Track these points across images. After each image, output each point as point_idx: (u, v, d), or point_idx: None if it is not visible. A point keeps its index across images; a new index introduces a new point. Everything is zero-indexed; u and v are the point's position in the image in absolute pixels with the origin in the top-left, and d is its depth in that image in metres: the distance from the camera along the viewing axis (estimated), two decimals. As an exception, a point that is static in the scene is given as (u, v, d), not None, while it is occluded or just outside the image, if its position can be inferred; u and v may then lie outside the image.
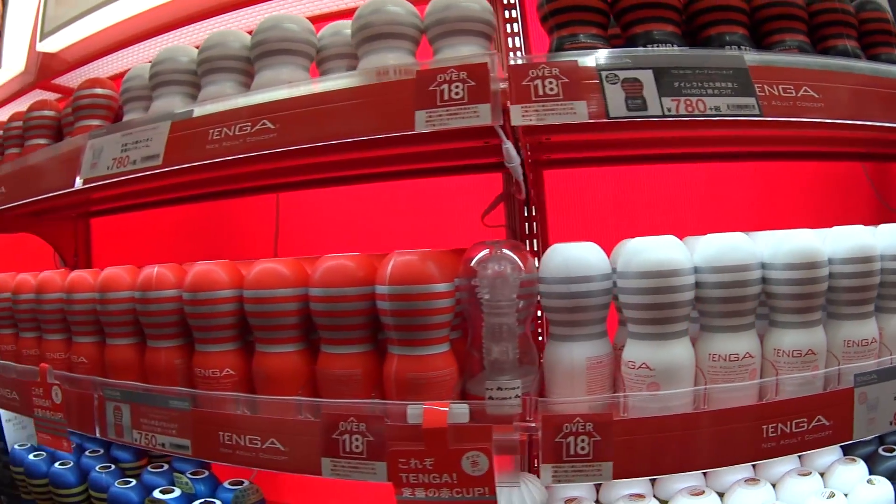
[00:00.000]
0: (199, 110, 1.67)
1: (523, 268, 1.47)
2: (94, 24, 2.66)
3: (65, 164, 1.91)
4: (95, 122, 2.18)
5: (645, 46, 1.63)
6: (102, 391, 1.77)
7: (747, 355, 1.44)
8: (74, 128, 2.21)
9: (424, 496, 1.32)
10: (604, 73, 1.43)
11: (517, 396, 1.41)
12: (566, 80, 1.41)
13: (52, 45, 2.83)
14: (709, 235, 1.47)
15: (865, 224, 1.56)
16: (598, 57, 1.46)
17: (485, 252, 1.47)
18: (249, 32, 1.84)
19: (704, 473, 1.77)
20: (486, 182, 2.10)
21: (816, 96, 1.47)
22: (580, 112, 1.39)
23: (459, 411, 1.34)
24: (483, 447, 1.29)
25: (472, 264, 1.46)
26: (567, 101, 1.40)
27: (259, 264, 1.59)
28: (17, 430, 2.36)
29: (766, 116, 1.43)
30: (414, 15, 1.69)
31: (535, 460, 1.36)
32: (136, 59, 2.65)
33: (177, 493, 1.90)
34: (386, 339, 1.52)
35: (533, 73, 1.41)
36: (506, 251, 1.47)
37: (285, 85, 1.61)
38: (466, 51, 1.64)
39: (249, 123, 1.54)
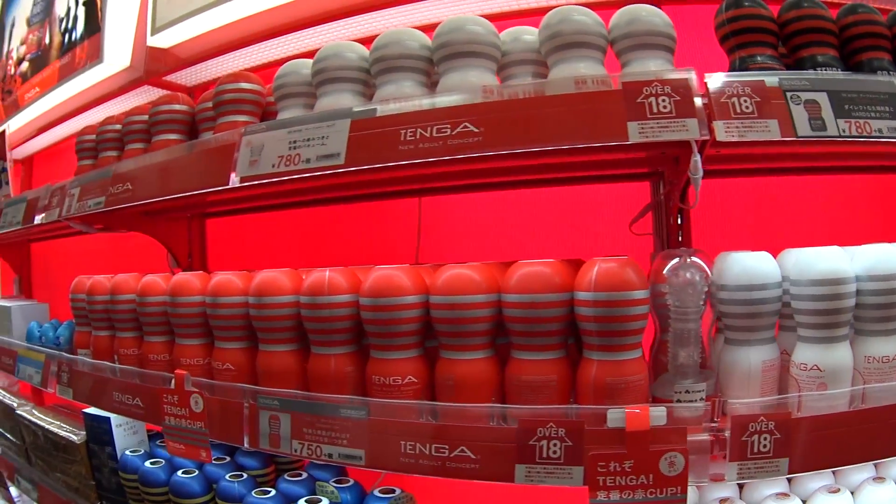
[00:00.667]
0: (384, 109, 1.63)
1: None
2: (210, 22, 2.68)
3: (214, 160, 1.88)
4: (242, 118, 2.12)
5: (813, 69, 1.68)
6: (256, 399, 1.72)
7: (896, 357, 1.51)
8: (218, 123, 2.15)
9: (619, 498, 1.34)
10: (788, 94, 1.48)
11: (702, 399, 1.45)
12: (758, 99, 1.45)
13: (163, 40, 2.83)
14: (864, 246, 1.55)
15: None
16: (780, 78, 1.49)
17: (676, 260, 1.50)
18: (364, 41, 1.89)
19: (789, 479, 1.84)
20: (623, 191, 2.16)
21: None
22: (773, 130, 1.43)
23: (658, 414, 1.36)
24: (680, 448, 1.33)
25: (665, 272, 1.49)
26: (762, 120, 1.44)
27: (449, 270, 1.56)
28: (129, 436, 2.28)
29: None
30: (601, 25, 1.70)
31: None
32: (255, 59, 2.66)
33: (325, 503, 1.84)
34: (573, 343, 1.54)
35: (729, 91, 1.45)
36: (696, 259, 1.50)
37: (484, 87, 1.60)
38: (654, 65, 1.66)
39: (449, 126, 1.51)
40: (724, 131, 1.41)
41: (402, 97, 1.71)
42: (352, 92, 1.86)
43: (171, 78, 2.97)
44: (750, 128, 1.43)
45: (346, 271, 1.70)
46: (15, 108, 4.21)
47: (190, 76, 3.04)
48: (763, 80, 1.48)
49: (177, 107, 2.32)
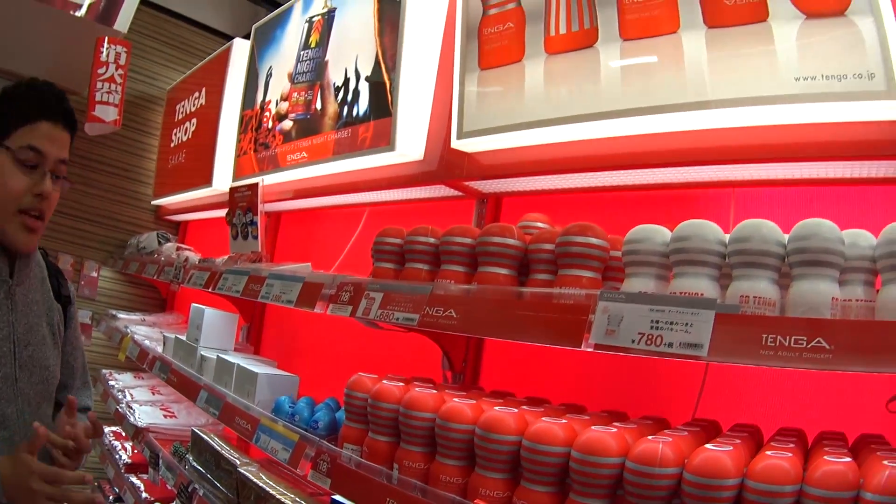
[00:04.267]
0: (745, 308, 1.78)
1: None
2: (521, 139, 2.84)
3: (561, 317, 2.00)
4: (587, 275, 2.25)
5: None
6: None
7: None
8: (560, 275, 2.28)
9: None
10: None
11: None
12: None
13: (467, 145, 3.01)
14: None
15: None
16: None
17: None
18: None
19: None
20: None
21: None
22: None
23: None
24: None
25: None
26: None
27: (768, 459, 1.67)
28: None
29: None
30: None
31: None
32: (561, 184, 2.87)
33: None
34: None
35: None
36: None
37: (832, 304, 1.76)
38: None
39: (805, 338, 1.61)
40: None
41: (759, 296, 1.84)
42: (709, 277, 1.97)
43: (468, 182, 3.15)
44: None
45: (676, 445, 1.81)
46: (274, 164, 4.53)
47: (487, 184, 3.22)
48: None
49: (510, 241, 2.45)
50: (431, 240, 2.68)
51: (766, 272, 1.89)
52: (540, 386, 2.94)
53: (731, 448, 1.75)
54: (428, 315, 2.33)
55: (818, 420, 2.25)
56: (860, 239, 1.91)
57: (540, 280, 2.38)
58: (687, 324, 1.76)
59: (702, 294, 1.93)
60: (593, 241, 2.26)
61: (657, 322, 1.80)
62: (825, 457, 1.64)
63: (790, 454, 1.70)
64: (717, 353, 1.72)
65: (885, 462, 1.57)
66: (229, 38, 6.02)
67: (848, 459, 1.63)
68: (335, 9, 4.18)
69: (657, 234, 2.09)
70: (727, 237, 1.98)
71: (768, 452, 1.71)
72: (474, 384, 3.15)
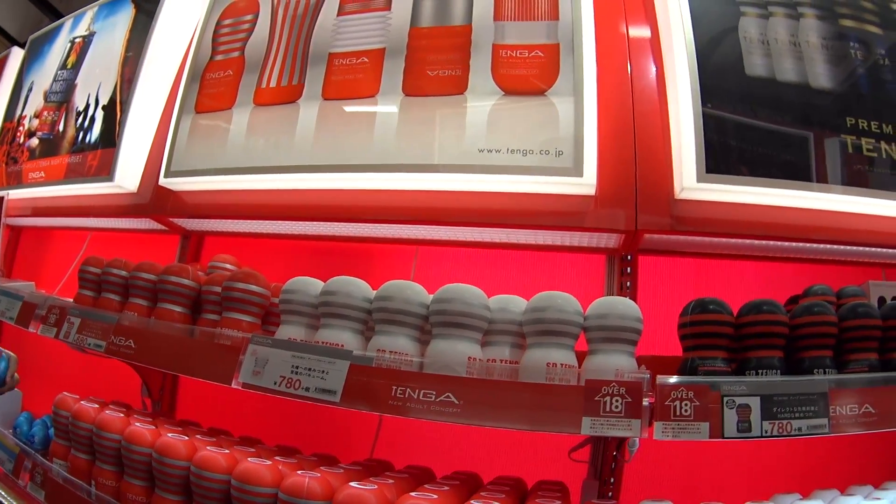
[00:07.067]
0: (379, 360, 1.95)
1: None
2: (227, 183, 2.95)
3: (218, 356, 2.17)
4: (247, 319, 2.42)
5: (755, 370, 2.00)
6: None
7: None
8: (223, 318, 2.46)
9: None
10: (725, 399, 1.78)
11: None
12: (697, 404, 1.77)
13: (174, 183, 3.09)
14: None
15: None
16: (722, 383, 1.80)
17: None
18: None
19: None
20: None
21: (873, 411, 1.82)
22: (703, 432, 1.75)
23: None
24: None
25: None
26: (696, 423, 1.76)
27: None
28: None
29: (833, 433, 1.78)
30: (579, 314, 2.02)
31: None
32: (258, 228, 3.04)
33: None
34: None
35: (674, 395, 1.77)
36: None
37: (468, 364, 1.96)
38: (618, 358, 1.97)
39: (434, 392, 1.82)
40: (661, 431, 1.74)
41: (396, 350, 2.03)
42: (352, 330, 2.16)
43: (174, 219, 3.25)
44: (684, 429, 1.75)
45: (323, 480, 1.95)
46: (17, 180, 4.42)
47: (189, 222, 3.32)
48: (707, 385, 1.78)
49: (185, 281, 2.60)
50: (123, 272, 2.79)
51: (405, 329, 2.10)
52: (228, 418, 3.05)
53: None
54: (113, 343, 2.45)
55: (498, 465, 2.48)
56: (511, 304, 2.13)
57: (208, 320, 2.54)
58: (324, 371, 1.96)
59: (342, 345, 2.10)
60: (254, 288, 2.45)
61: (297, 367, 2.00)
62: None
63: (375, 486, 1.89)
64: (348, 400, 1.90)
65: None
66: (20, 44, 5.77)
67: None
68: (95, 33, 4.15)
69: (310, 285, 2.27)
70: (372, 294, 2.16)
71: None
72: (171, 412, 3.25)
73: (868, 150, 2.48)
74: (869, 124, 2.52)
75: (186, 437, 2.26)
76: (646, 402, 1.77)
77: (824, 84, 2.54)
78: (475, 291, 2.07)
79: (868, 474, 2.24)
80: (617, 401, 1.77)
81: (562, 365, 1.95)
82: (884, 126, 2.52)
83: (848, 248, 2.58)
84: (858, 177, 2.42)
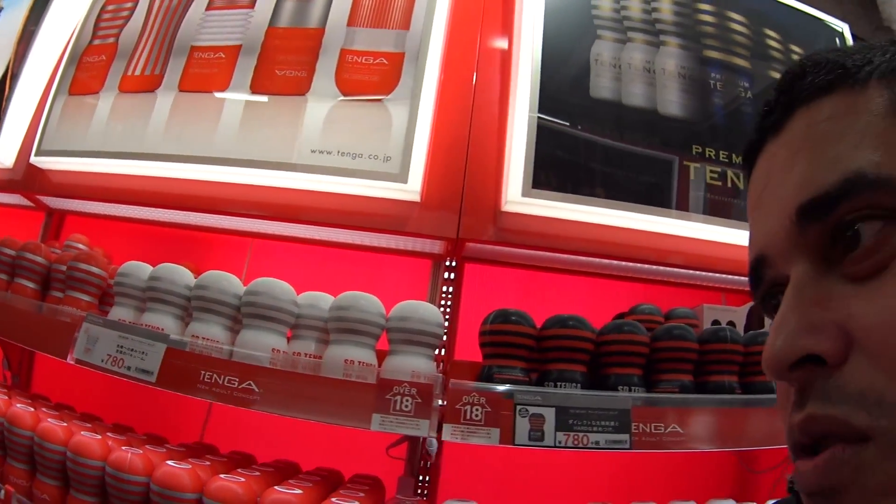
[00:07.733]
0: (192, 345, 2.06)
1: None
2: (89, 165, 3.01)
3: (57, 332, 2.24)
4: (85, 298, 2.51)
5: (555, 382, 2.08)
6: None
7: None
8: (65, 295, 2.52)
9: None
10: (518, 408, 1.90)
11: None
12: (489, 410, 1.88)
13: (43, 162, 3.14)
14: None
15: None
16: (516, 392, 1.91)
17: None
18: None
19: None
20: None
21: (681, 431, 1.96)
22: (493, 437, 1.86)
23: None
24: None
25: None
26: (486, 428, 1.87)
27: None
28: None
29: (634, 449, 1.91)
30: (381, 315, 2.13)
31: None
32: (122, 212, 3.09)
33: None
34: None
35: (465, 399, 1.88)
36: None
37: (272, 356, 2.07)
38: (416, 360, 2.08)
39: (237, 379, 1.94)
40: (450, 433, 1.84)
41: (209, 337, 2.15)
42: (172, 315, 2.27)
43: (40, 196, 3.30)
44: (473, 433, 1.86)
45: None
46: None
47: (54, 201, 3.37)
48: (500, 393, 1.90)
49: (37, 258, 2.66)
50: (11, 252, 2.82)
51: (219, 318, 2.21)
52: (76, 393, 3.10)
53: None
54: (-36, 313, 2.52)
55: (316, 456, 2.54)
56: (321, 301, 2.23)
57: (54, 297, 2.63)
58: (143, 352, 2.06)
59: (163, 329, 2.21)
60: (93, 269, 2.54)
61: (122, 347, 2.09)
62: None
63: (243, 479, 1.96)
64: (163, 382, 2.01)
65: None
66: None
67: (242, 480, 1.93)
68: (3, 8, 4.17)
69: (141, 270, 2.36)
70: (194, 282, 2.27)
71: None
72: (27, 385, 3.30)
73: (712, 177, 2.63)
74: (717, 153, 2.68)
75: (33, 410, 2.32)
76: (438, 402, 1.88)
77: (673, 111, 2.69)
78: (284, 286, 2.18)
79: (695, 491, 2.35)
80: (407, 400, 1.88)
81: (360, 363, 2.06)
82: (733, 157, 2.67)
83: (681, 270, 2.72)
84: (696, 203, 2.57)
